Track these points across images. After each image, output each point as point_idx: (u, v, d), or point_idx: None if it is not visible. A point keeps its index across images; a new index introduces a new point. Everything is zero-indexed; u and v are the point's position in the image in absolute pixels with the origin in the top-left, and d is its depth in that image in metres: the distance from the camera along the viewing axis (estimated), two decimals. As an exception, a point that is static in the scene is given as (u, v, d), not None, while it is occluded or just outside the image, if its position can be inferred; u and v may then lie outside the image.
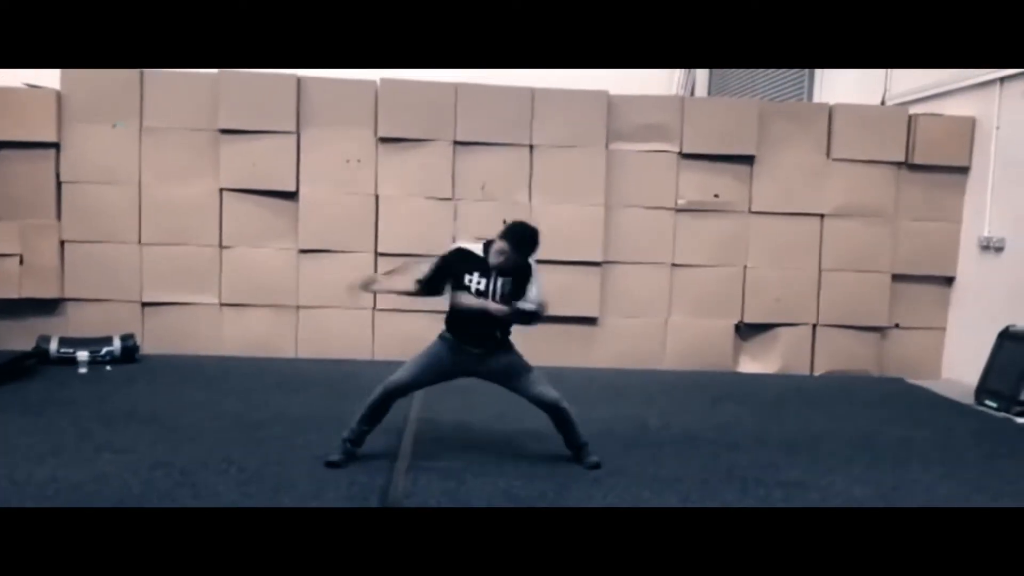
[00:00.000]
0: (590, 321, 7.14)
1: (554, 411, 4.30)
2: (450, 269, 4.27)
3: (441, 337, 4.35)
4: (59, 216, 6.76)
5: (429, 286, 4.33)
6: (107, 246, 6.81)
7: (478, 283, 4.19)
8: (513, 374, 4.31)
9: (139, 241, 6.84)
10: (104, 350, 6.40)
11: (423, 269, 4.35)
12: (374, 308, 7.00)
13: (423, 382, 4.41)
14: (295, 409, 5.30)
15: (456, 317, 4.29)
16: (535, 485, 4.02)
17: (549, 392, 4.30)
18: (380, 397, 4.29)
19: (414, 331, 6.96)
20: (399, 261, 5.33)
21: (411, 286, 4.36)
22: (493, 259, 4.15)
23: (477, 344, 4.27)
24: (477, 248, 4.24)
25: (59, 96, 6.69)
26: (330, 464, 4.19)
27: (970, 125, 7.07)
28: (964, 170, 7.17)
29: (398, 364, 6.85)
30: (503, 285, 4.18)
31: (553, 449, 4.49)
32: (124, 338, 6.53)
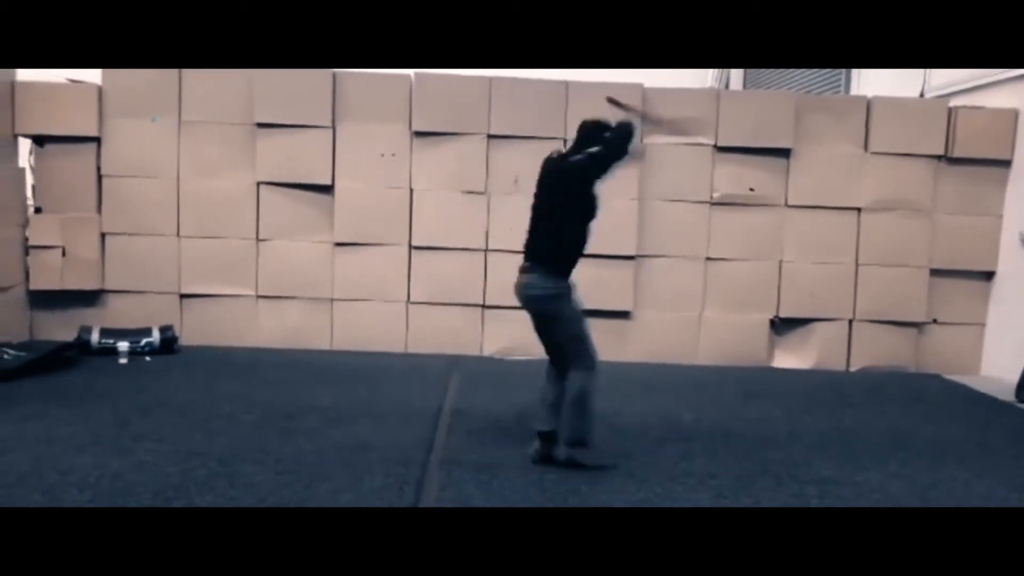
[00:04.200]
0: (623, 315, 7.12)
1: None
2: None
3: (569, 286, 4.27)
4: (99, 209, 6.88)
5: None
6: (146, 239, 6.92)
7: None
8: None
9: (177, 234, 6.94)
10: (144, 341, 6.51)
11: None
12: (408, 301, 7.04)
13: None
14: (330, 401, 5.35)
15: (576, 249, 4.26)
16: (568, 479, 4.03)
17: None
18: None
19: (447, 324, 7.08)
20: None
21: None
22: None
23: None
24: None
25: (100, 91, 6.80)
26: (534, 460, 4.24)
27: (1012, 117, 6.94)
28: (1006, 163, 7.04)
29: (431, 357, 6.95)
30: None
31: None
32: (163, 329, 6.64)
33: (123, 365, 6.20)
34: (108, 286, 6.93)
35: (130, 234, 6.91)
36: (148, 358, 6.40)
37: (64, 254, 6.80)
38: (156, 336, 6.57)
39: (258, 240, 6.99)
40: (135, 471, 3.91)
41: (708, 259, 7.14)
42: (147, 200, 6.89)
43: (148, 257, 6.92)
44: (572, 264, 4.25)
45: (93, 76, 6.87)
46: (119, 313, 6.86)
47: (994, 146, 7.00)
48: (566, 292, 4.21)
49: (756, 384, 6.44)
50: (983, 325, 7.24)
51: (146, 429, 4.59)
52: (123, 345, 6.36)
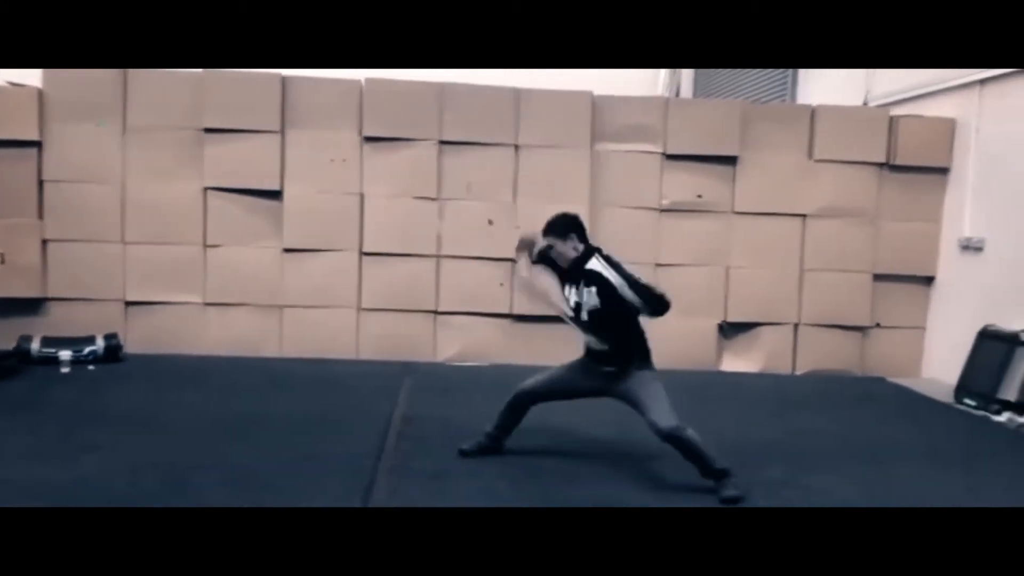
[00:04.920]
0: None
1: (672, 441, 3.98)
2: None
3: (583, 355, 4.31)
4: (41, 215, 6.72)
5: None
6: (90, 245, 6.78)
7: (567, 294, 4.16)
8: (639, 400, 4.06)
9: (123, 240, 6.81)
10: (87, 349, 6.37)
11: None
12: (359, 307, 7.00)
13: (552, 393, 4.31)
14: (280, 408, 5.30)
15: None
16: (519, 486, 4.04)
17: (662, 420, 3.95)
18: (509, 403, 4.34)
19: (399, 330, 7.05)
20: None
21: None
22: (554, 257, 4.16)
23: (605, 363, 4.15)
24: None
25: (41, 94, 6.65)
26: (462, 453, 4.33)
27: (951, 127, 7.13)
28: (944, 171, 7.23)
29: (382, 363, 6.92)
30: (588, 296, 4.07)
31: (538, 449, 4.51)
32: (107, 337, 6.51)
33: (66, 374, 6.07)
34: (50, 293, 6.77)
35: (73, 240, 6.77)
36: (92, 367, 6.27)
37: (3, 261, 6.63)
38: (100, 344, 6.44)
39: (206, 246, 6.90)
40: (79, 483, 3.83)
41: (658, 265, 7.21)
42: (91, 206, 6.76)
43: (92, 264, 6.78)
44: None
45: (34, 79, 6.72)
46: (62, 321, 6.70)
47: (933, 154, 7.19)
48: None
49: (705, 388, 6.51)
50: (924, 329, 7.42)
51: (90, 440, 4.49)
52: (65, 354, 6.23)
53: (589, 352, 4.25)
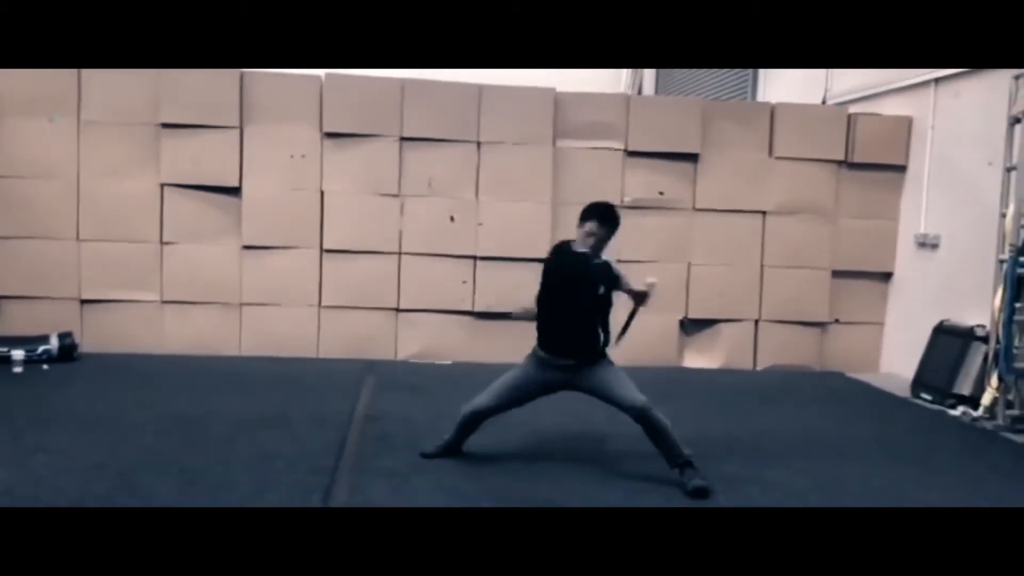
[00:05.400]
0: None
1: (640, 419, 4.04)
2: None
3: (532, 354, 4.27)
4: (-7, 212, 6.59)
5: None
6: (43, 242, 6.65)
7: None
8: (606, 384, 4.11)
9: (77, 237, 6.69)
10: (41, 349, 6.25)
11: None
12: (320, 305, 6.94)
13: (503, 406, 4.27)
14: (238, 408, 5.23)
15: (547, 327, 4.23)
16: (481, 483, 4.03)
17: (638, 398, 4.03)
18: (461, 424, 4.30)
19: (360, 329, 7.00)
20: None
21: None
22: (581, 246, 4.14)
23: (569, 355, 4.15)
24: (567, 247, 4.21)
25: (-8, 88, 6.52)
26: (424, 455, 4.30)
27: (907, 124, 7.23)
28: (901, 168, 7.33)
29: (343, 361, 6.86)
30: (603, 290, 4.12)
31: (498, 446, 4.50)
32: (62, 336, 6.39)
33: (18, 374, 5.94)
34: (2, 292, 6.63)
35: (26, 237, 6.63)
36: (46, 366, 6.15)
37: (-46, 259, 6.49)
38: (54, 343, 6.32)
39: (162, 243, 6.79)
40: (29, 484, 3.75)
41: (620, 261, 7.19)
42: (44, 202, 6.63)
43: (45, 261, 6.65)
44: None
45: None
46: (14, 320, 6.58)
47: (890, 152, 7.29)
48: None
49: (667, 384, 6.52)
50: (882, 324, 7.52)
51: (42, 440, 4.40)
52: (18, 353, 6.10)
53: (549, 345, 4.21)
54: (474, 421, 4.29)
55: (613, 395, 4.08)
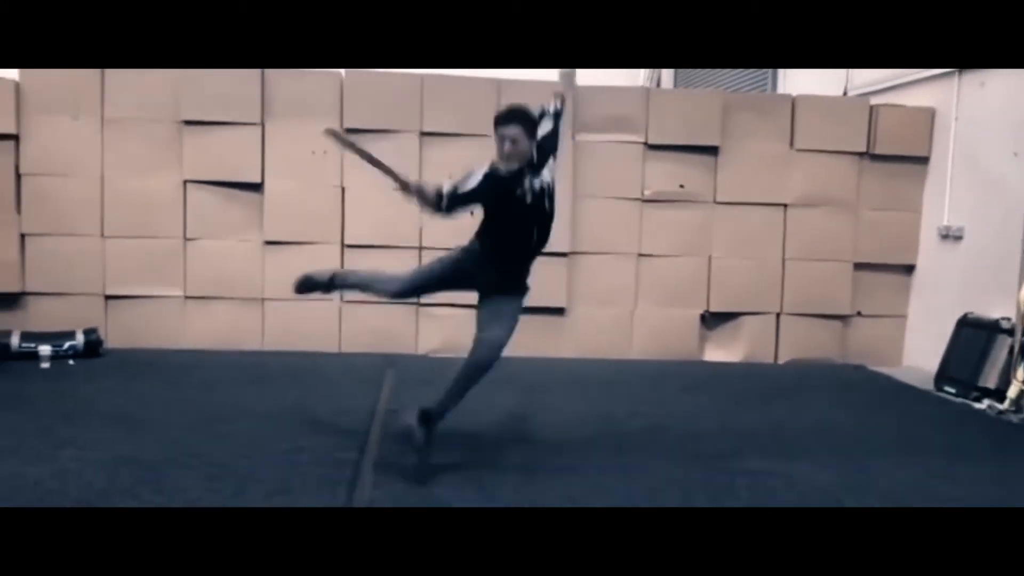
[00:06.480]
0: (558, 312, 7.17)
1: (480, 351, 4.07)
2: (498, 189, 3.96)
3: (468, 249, 4.23)
4: (19, 209, 6.66)
5: (458, 205, 4.00)
6: (69, 239, 6.72)
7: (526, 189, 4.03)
8: (487, 311, 4.16)
9: (101, 234, 6.76)
10: (67, 344, 6.32)
11: (449, 183, 4.00)
12: (341, 300, 6.98)
13: (429, 286, 4.42)
14: (261, 402, 5.27)
15: (509, 247, 4.18)
16: (504, 476, 4.04)
17: (490, 330, 4.07)
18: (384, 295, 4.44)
19: (381, 323, 7.03)
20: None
21: (430, 194, 3.98)
22: (506, 156, 3.97)
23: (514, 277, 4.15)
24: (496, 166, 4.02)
25: (17, 87, 6.58)
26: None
27: (930, 116, 7.17)
28: (924, 160, 7.27)
29: (365, 356, 6.89)
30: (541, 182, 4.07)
31: (522, 439, 4.51)
32: (87, 332, 6.46)
33: (45, 369, 6.02)
34: (29, 288, 6.71)
35: (52, 234, 6.70)
36: (72, 362, 6.22)
37: (-19, 256, 6.57)
38: (80, 339, 6.39)
39: (185, 239, 6.85)
40: (57, 479, 3.79)
41: (640, 255, 7.22)
42: (69, 199, 6.70)
43: (71, 258, 6.72)
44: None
45: (10, 71, 6.64)
46: (41, 316, 6.65)
47: (913, 143, 7.23)
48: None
49: (688, 378, 6.54)
50: (904, 317, 7.47)
51: (69, 435, 4.45)
52: (45, 349, 6.17)
53: (506, 264, 4.20)
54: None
55: (481, 320, 4.15)
